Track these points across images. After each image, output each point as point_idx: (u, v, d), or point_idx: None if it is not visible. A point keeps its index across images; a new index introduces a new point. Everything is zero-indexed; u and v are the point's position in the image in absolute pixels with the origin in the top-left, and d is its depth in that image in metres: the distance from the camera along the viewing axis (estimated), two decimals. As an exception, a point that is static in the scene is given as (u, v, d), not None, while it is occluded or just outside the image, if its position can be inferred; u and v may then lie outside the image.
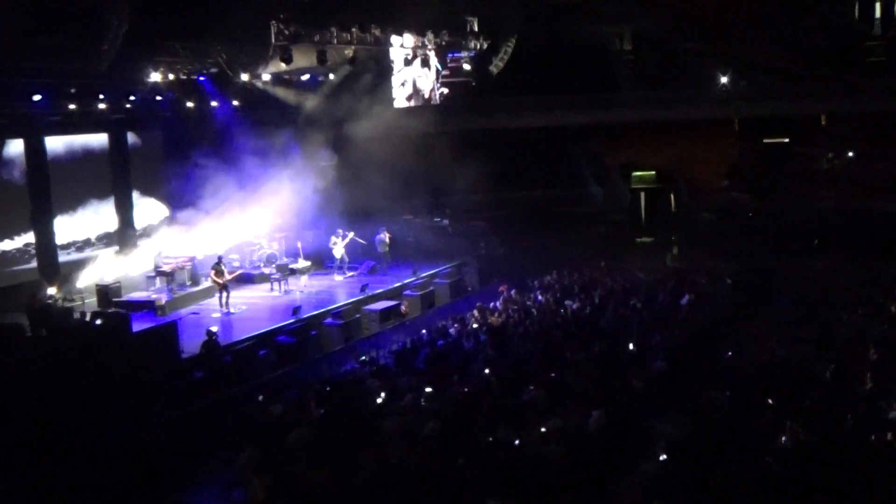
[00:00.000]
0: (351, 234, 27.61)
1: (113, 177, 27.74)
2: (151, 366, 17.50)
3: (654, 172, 38.30)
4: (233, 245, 27.42)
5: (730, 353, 17.51)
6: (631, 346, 18.10)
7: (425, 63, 31.60)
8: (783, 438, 12.29)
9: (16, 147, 24.88)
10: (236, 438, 14.24)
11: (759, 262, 28.71)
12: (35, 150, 24.99)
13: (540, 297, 24.55)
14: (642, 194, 37.91)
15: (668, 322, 20.04)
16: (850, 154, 37.36)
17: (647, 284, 25.34)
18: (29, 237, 25.01)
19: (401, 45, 30.07)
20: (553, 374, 16.29)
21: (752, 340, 18.42)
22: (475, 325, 21.64)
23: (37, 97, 23.28)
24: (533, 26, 33.45)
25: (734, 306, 22.66)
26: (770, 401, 14.02)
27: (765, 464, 11.48)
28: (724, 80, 35.73)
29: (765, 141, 38.06)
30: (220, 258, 24.23)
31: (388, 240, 28.08)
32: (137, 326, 20.24)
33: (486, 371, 16.85)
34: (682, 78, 36.93)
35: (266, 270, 26.96)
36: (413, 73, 30.55)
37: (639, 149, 39.03)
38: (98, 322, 19.61)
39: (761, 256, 29.58)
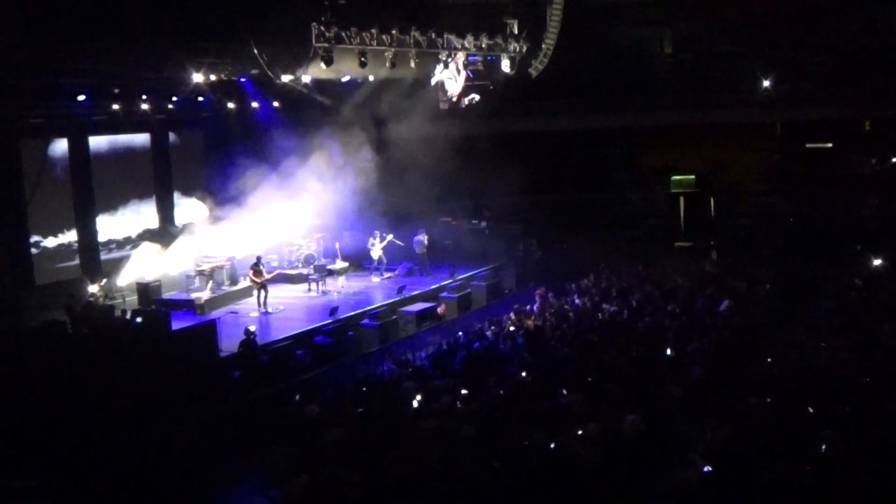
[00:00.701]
0: (389, 236, 27.69)
1: (154, 176, 28.05)
2: (190, 364, 17.72)
3: (693, 177, 38.03)
4: (271, 245, 27.58)
5: (769, 360, 17.32)
6: (668, 352, 17.98)
7: (455, 66, 31.54)
8: (822, 447, 12.14)
9: (60, 146, 25.23)
10: (272, 438, 14.34)
11: (799, 267, 28.36)
12: (79, 149, 25.42)
13: (577, 301, 24.46)
14: (682, 198, 37.61)
15: (707, 327, 19.86)
16: (894, 160, 36.81)
17: (686, 289, 25.12)
18: (71, 235, 25.33)
19: (441, 47, 30.06)
20: (589, 379, 16.23)
21: (792, 347, 18.20)
22: (512, 328, 21.61)
23: (81, 97, 23.57)
24: (573, 29, 33.29)
25: (773, 312, 22.42)
26: (809, 408, 13.86)
27: (803, 472, 11.36)
28: (766, 83, 35.35)
29: (807, 146, 37.59)
30: (258, 258, 24.39)
31: (426, 241, 28.12)
32: (177, 325, 20.47)
33: (523, 374, 16.84)
34: (722, 81, 36.61)
35: (304, 271, 27.10)
36: (444, 75, 30.50)
37: (677, 152, 38.77)
38: (138, 320, 19.84)
39: (801, 262, 29.24)
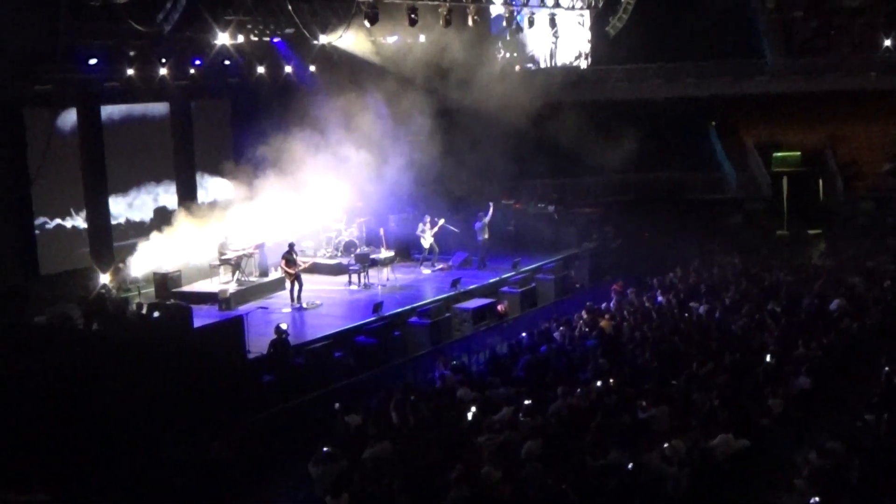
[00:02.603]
0: (441, 221, 27.76)
1: (174, 151, 28.40)
2: (215, 366, 17.90)
3: (799, 154, 37.60)
4: (307, 231, 27.81)
5: (886, 369, 17.14)
6: (768, 358, 17.89)
7: (532, 24, 31.56)
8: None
9: (69, 118, 25.60)
10: (310, 451, 14.54)
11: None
12: (90, 120, 25.72)
13: (660, 298, 24.40)
14: (785, 179, 37.23)
15: (814, 330, 19.71)
16: None
17: (790, 285, 24.94)
18: (81, 218, 25.77)
19: (502, 3, 30.12)
20: (675, 389, 16.23)
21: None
22: (584, 329, 21.64)
23: (92, 61, 23.86)
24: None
25: (895, 313, 22.15)
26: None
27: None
28: (887, 42, 34.84)
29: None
30: (291, 245, 24.60)
31: (487, 225, 27.97)
32: (199, 321, 20.74)
33: (597, 383, 16.87)
34: (838, 41, 36.14)
35: (344, 260, 27.32)
36: (524, 35, 30.54)
37: (783, 126, 38.37)
38: (156, 315, 20.04)
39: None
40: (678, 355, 18.59)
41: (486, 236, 27.98)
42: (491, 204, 28.20)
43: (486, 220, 27.86)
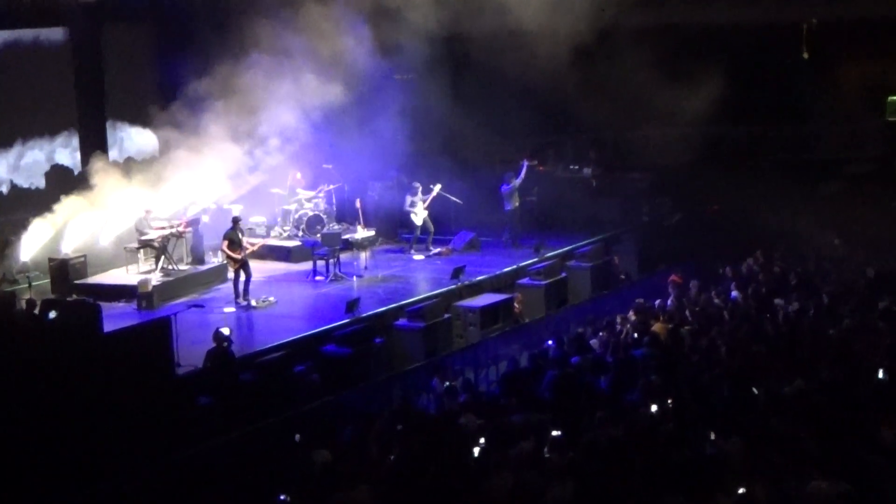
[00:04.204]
0: (437, 188, 27.80)
1: (77, 93, 28.36)
2: (131, 385, 17.92)
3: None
4: (256, 202, 27.88)
5: None
6: (880, 374, 17.94)
7: None
8: None
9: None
10: (262, 500, 14.58)
11: None
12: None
13: (735, 293, 24.43)
14: (902, 131, 37.31)
15: (942, 337, 19.80)
16: None
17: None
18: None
19: None
20: (753, 416, 16.27)
21: None
22: (632, 335, 21.69)
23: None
24: None
25: None
26: None
27: None
28: None
29: None
30: (235, 221, 24.67)
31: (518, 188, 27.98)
32: (111, 324, 20.77)
33: (651, 408, 16.92)
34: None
35: (306, 242, 27.40)
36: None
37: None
38: (52, 315, 20.06)
39: None
40: (758, 370, 18.61)
41: (517, 204, 28.10)
42: (525, 161, 28.26)
43: (517, 182, 27.93)
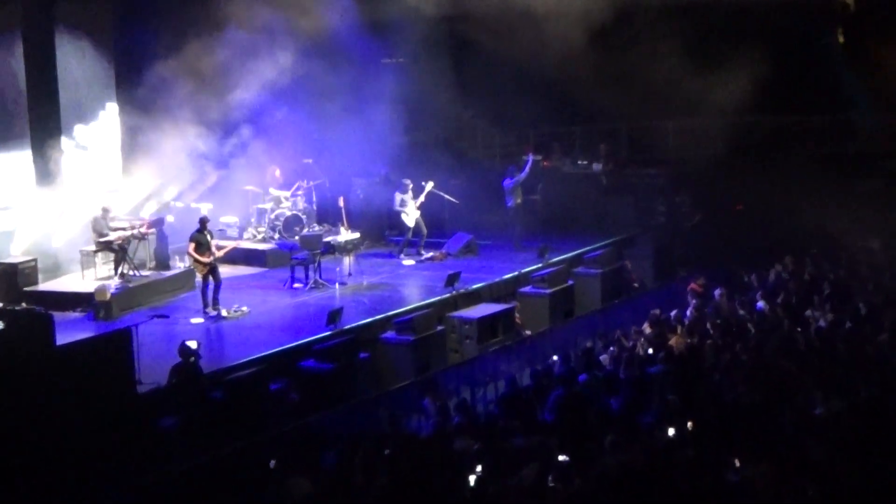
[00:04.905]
0: (430, 186, 27.98)
1: (27, 75, 28.39)
2: (87, 403, 18.03)
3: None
4: (227, 200, 28.01)
5: None
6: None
7: None
8: None
9: None
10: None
11: None
12: None
13: (761, 303, 24.58)
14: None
15: None
16: None
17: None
18: None
19: None
20: (782, 439, 16.48)
21: None
22: (647, 350, 21.90)
23: None
24: None
25: None
26: None
27: None
28: None
29: None
30: (203, 222, 24.71)
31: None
32: (64, 336, 20.85)
33: (668, 431, 17.10)
34: None
35: (282, 245, 27.55)
36: None
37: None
38: (-1, 326, 20.25)
39: None
40: (787, 389, 18.80)
41: (520, 201, 28.23)
42: (531, 155, 28.35)
43: (522, 177, 28.04)
